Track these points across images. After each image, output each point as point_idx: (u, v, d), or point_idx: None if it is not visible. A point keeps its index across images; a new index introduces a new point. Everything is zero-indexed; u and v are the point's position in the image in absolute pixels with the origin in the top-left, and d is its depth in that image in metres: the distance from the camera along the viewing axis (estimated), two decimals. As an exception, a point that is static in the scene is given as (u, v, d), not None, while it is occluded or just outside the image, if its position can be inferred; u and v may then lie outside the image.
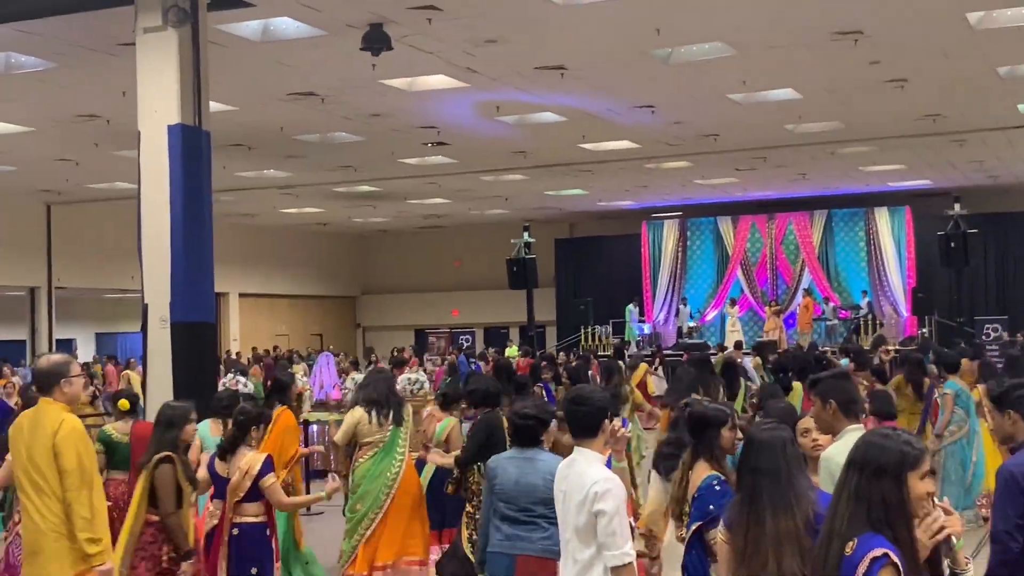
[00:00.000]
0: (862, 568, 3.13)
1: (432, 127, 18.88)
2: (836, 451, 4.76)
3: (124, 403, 9.00)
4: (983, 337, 24.90)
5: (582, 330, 30.16)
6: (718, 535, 4.35)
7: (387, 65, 13.50)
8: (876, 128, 19.91)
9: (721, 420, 4.99)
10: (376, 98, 16.34)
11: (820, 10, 12.67)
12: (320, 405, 15.83)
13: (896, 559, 3.12)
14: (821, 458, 4.84)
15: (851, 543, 3.18)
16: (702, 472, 4.89)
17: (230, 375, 14.55)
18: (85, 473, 5.28)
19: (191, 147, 11.12)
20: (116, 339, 36.34)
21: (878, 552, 3.12)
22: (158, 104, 11.22)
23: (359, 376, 15.16)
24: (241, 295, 32.85)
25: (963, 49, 14.43)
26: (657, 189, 27.78)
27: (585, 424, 4.64)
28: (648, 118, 18.45)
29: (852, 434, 4.87)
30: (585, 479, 4.46)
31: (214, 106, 13.37)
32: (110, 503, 7.15)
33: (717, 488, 4.82)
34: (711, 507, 4.79)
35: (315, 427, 14.52)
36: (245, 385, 13.72)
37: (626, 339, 29.80)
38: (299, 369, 20.20)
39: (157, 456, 6.32)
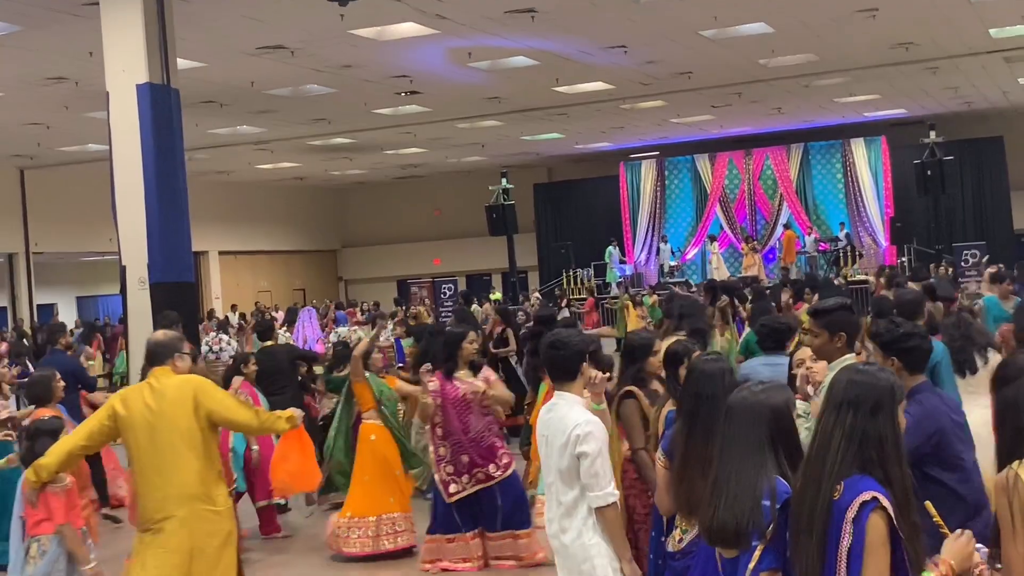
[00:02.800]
0: (851, 512, 3.05)
1: (404, 76, 18.75)
2: None
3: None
4: (962, 264, 25.04)
5: (564, 274, 30.22)
6: (657, 459, 4.44)
7: (356, 15, 13.36)
8: (849, 59, 19.86)
9: (688, 354, 5.06)
10: (346, 49, 16.19)
11: (789, -58, 12.59)
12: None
13: (886, 502, 3.06)
14: (822, 388, 4.80)
15: (839, 487, 3.10)
16: (668, 407, 5.00)
17: (212, 334, 14.55)
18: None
19: (160, 106, 11.04)
20: (97, 302, 36.20)
21: (867, 496, 3.04)
22: (125, 64, 11.12)
23: (343, 330, 15.19)
24: (221, 253, 32.75)
25: (933, -24, 14.38)
26: (633, 129, 27.70)
27: (564, 368, 4.67)
28: (621, 58, 18.35)
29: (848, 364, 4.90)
30: (566, 422, 4.50)
31: (182, 63, 13.26)
32: None
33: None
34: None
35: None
36: (228, 343, 13.72)
37: (607, 281, 29.91)
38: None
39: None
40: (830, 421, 3.18)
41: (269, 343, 11.14)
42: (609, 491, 4.44)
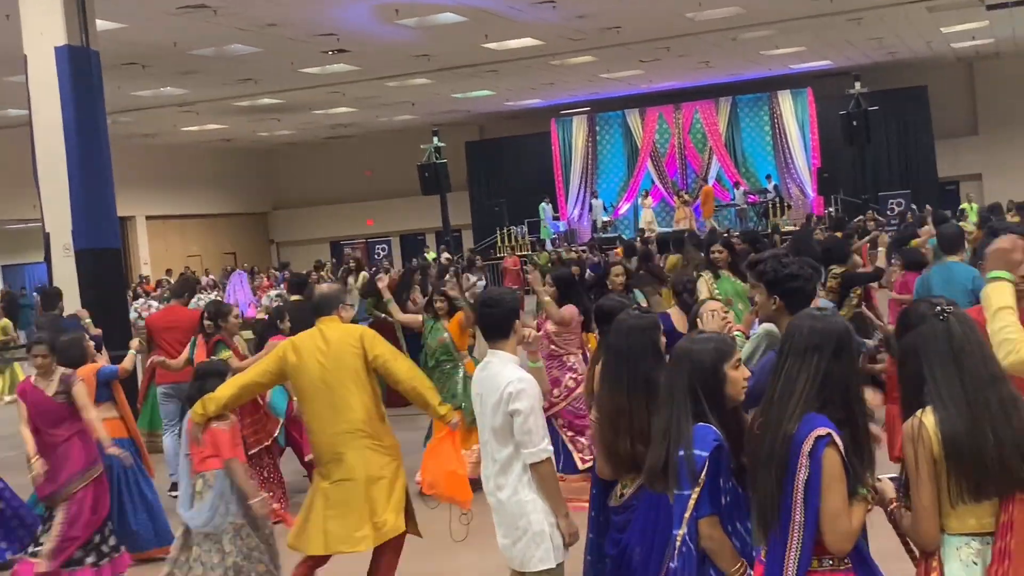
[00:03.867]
0: (807, 446, 3.17)
1: (331, 34, 18.51)
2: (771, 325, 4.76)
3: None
4: (888, 212, 25.45)
5: (498, 232, 30.21)
6: (592, 417, 4.51)
7: (279, -27, 13.17)
8: (775, 11, 19.98)
9: (621, 309, 5.08)
10: (270, 7, 15.95)
11: None
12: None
13: (838, 439, 3.19)
14: (758, 332, 4.86)
15: (793, 424, 3.23)
16: None
17: (141, 300, 14.35)
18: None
19: (80, 68, 10.83)
20: (24, 270, 35.50)
21: (822, 431, 3.18)
22: (43, 26, 10.89)
23: (275, 293, 15.06)
24: (148, 218, 32.23)
25: (856, -73, 14.48)
26: (564, 86, 27.66)
27: (497, 326, 4.67)
28: (550, 14, 18.28)
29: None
30: (499, 380, 4.50)
31: (102, 25, 12.95)
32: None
33: None
34: None
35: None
36: (158, 309, 13.53)
37: (542, 237, 29.95)
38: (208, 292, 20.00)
39: None
40: (795, 365, 3.31)
41: (297, 297, 10.71)
42: (543, 447, 4.46)
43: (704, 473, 3.41)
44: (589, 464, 6.74)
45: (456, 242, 31.99)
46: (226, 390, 5.68)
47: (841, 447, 3.18)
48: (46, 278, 11.72)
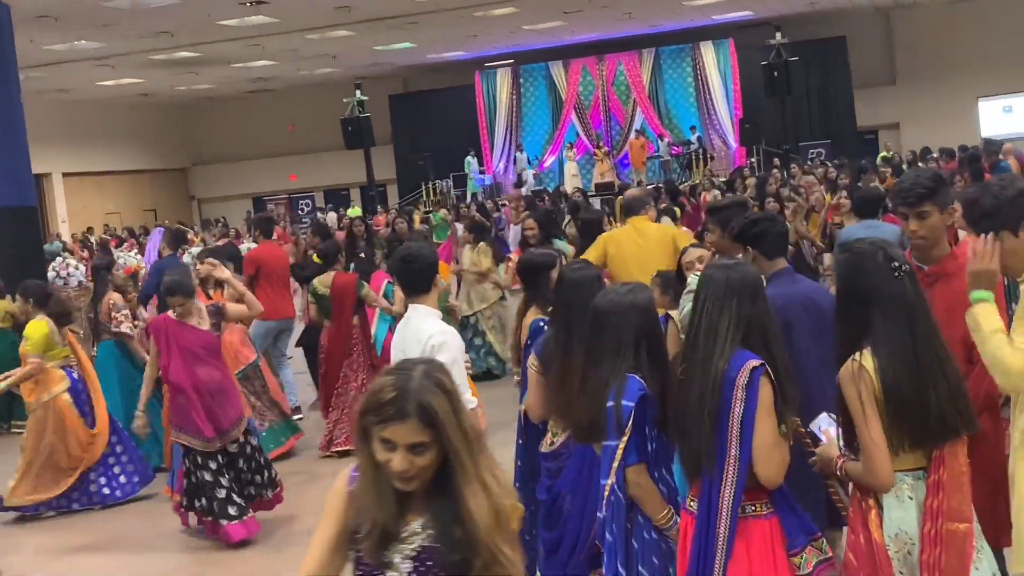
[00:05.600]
0: (742, 379, 3.27)
1: (249, -14, 18.20)
2: None
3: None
4: (808, 163, 25.74)
5: (423, 186, 30.08)
6: (530, 364, 4.55)
7: (193, -77, 12.89)
8: (697, -38, 20.03)
9: (550, 265, 5.10)
10: (186, -42, 15.61)
11: None
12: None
13: (769, 369, 3.29)
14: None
15: (723, 360, 3.32)
16: (532, 316, 5.02)
17: (59, 258, 14.08)
18: None
19: (-11, 22, 10.54)
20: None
21: (755, 362, 3.28)
22: (-52, -22, 10.57)
23: (197, 250, 14.85)
24: (65, 175, 31.55)
25: None
26: (486, 38, 27.50)
27: (417, 280, 4.68)
28: (471, -36, 18.15)
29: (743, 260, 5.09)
30: (421, 334, 4.51)
31: (10, -23, 12.60)
32: (322, 354, 9.00)
33: (544, 327, 4.97)
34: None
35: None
36: (76, 268, 13.30)
37: (470, 191, 29.87)
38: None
39: None
40: (715, 310, 3.40)
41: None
42: (467, 398, 4.49)
43: (631, 423, 3.47)
44: None
45: (381, 197, 31.79)
46: None
47: (773, 379, 3.27)
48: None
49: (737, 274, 3.44)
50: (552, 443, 4.45)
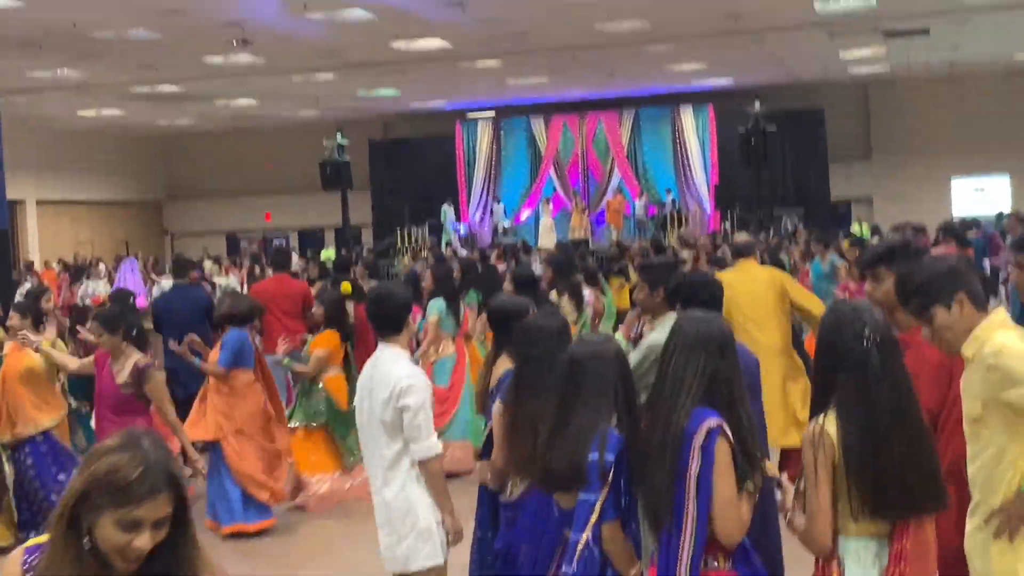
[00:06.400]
0: (699, 439, 3.28)
1: (236, 25, 18.25)
2: (659, 335, 4.96)
3: (346, 286, 9.54)
4: (782, 231, 25.98)
5: (398, 231, 30.08)
6: (495, 409, 4.54)
7: (185, -41, 12.96)
8: (680, 27, 20.29)
9: (522, 312, 5.11)
10: (175, -7, 15.67)
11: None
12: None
13: (728, 430, 3.29)
14: (647, 343, 5.00)
15: (684, 417, 3.33)
16: (503, 365, 5.01)
17: (28, 283, 13.99)
18: None
19: (-26, 45, 10.52)
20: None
21: (713, 422, 3.28)
22: (-65, -2, 10.56)
23: (167, 284, 14.80)
24: (39, 203, 31.37)
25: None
26: (470, 89, 27.70)
27: (388, 321, 4.68)
28: (459, 16, 18.29)
29: (671, 322, 5.13)
30: (390, 376, 4.51)
31: (-2, 1, 12.64)
32: None
33: None
34: None
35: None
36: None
37: (445, 240, 29.91)
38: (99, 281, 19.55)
39: None
40: (681, 361, 3.43)
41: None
42: (432, 443, 4.49)
43: (611, 475, 3.47)
44: None
45: (356, 239, 31.76)
46: None
47: (731, 438, 3.28)
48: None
49: (707, 327, 3.45)
50: (511, 493, 4.44)
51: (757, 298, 7.39)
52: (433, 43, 20.87)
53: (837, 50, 23.98)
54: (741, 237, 8.41)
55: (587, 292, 10.65)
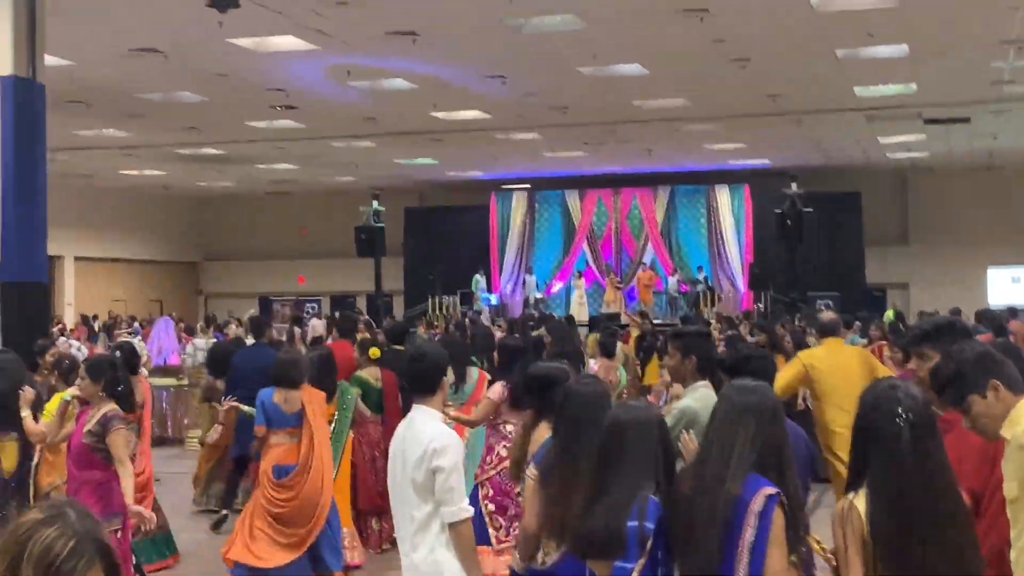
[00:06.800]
0: (756, 506, 3.22)
1: (280, 90, 18.54)
2: (689, 402, 5.15)
3: (375, 351, 9.53)
4: (816, 313, 25.80)
5: (429, 299, 30.15)
6: (528, 476, 4.47)
7: (234, 24, 13.20)
8: (719, 106, 20.41)
9: (563, 379, 5.06)
10: (222, 57, 15.94)
11: (668, -13, 12.90)
12: (159, 370, 15.47)
13: (784, 498, 3.24)
14: (679, 408, 5.01)
15: (736, 484, 3.28)
16: (543, 432, 4.94)
17: (62, 339, 14.09)
18: None
19: (24, 99, 10.74)
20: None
21: (771, 490, 3.22)
22: (-11, 54, 10.78)
23: (201, 342, 14.87)
24: (77, 259, 31.73)
25: (804, 30, 14.90)
26: (506, 160, 27.91)
27: (423, 381, 4.65)
28: (499, 88, 18.49)
29: (703, 390, 5.16)
30: (423, 436, 4.47)
31: (50, 60, 12.85)
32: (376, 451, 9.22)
33: None
34: None
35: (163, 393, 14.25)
36: (79, 349, 13.29)
37: (476, 310, 29.93)
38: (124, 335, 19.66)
39: None
40: (732, 427, 3.39)
41: (399, 347, 10.72)
42: (463, 507, 4.42)
43: (650, 543, 3.41)
44: (506, 545, 6.63)
45: (387, 307, 31.84)
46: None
47: (787, 507, 3.23)
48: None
49: (757, 395, 3.41)
50: (544, 562, 4.37)
51: (851, 377, 7.20)
52: (472, 114, 21.09)
53: (876, 135, 24.03)
54: (827, 315, 8.41)
55: (593, 363, 10.59)
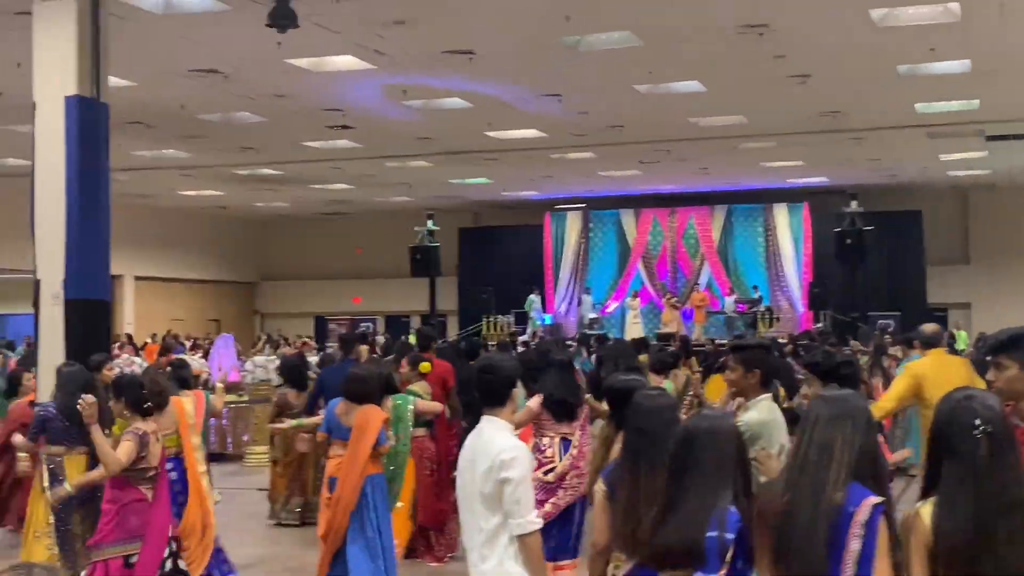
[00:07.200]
0: (862, 515, 3.14)
1: (337, 110, 18.67)
2: (753, 416, 5.24)
3: (426, 365, 9.61)
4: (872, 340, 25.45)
5: (483, 319, 30.15)
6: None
7: (293, 45, 13.29)
8: (778, 123, 20.24)
9: (635, 387, 5.01)
10: (281, 78, 16.08)
11: (727, 2, 12.81)
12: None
13: (888, 509, 3.18)
14: (743, 421, 4.98)
15: (840, 493, 3.20)
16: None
17: (125, 356, 14.22)
18: None
19: (89, 119, 10.83)
20: (6, 320, 35.27)
21: (876, 499, 3.15)
22: (55, 75, 10.91)
23: (260, 359, 14.96)
24: (137, 278, 32.14)
25: (865, 46, 14.74)
26: (561, 180, 27.89)
27: (493, 393, 4.61)
28: (555, 107, 18.49)
29: (765, 402, 5.12)
30: (492, 447, 4.42)
31: (113, 81, 12.96)
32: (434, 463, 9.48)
33: None
34: None
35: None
36: (141, 366, 13.41)
37: (531, 329, 29.88)
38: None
39: None
40: (827, 432, 3.30)
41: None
42: (531, 519, 4.36)
43: (730, 553, 3.34)
44: None
45: (441, 327, 31.87)
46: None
47: (891, 517, 3.17)
48: (29, 329, 11.62)
49: (850, 401, 3.34)
50: (614, 575, 4.30)
51: (957, 383, 7.26)
52: (527, 133, 21.10)
53: (937, 152, 23.72)
54: (929, 327, 8.52)
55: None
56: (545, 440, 7.90)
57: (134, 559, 6.34)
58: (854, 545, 3.11)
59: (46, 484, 7.73)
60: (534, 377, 8.36)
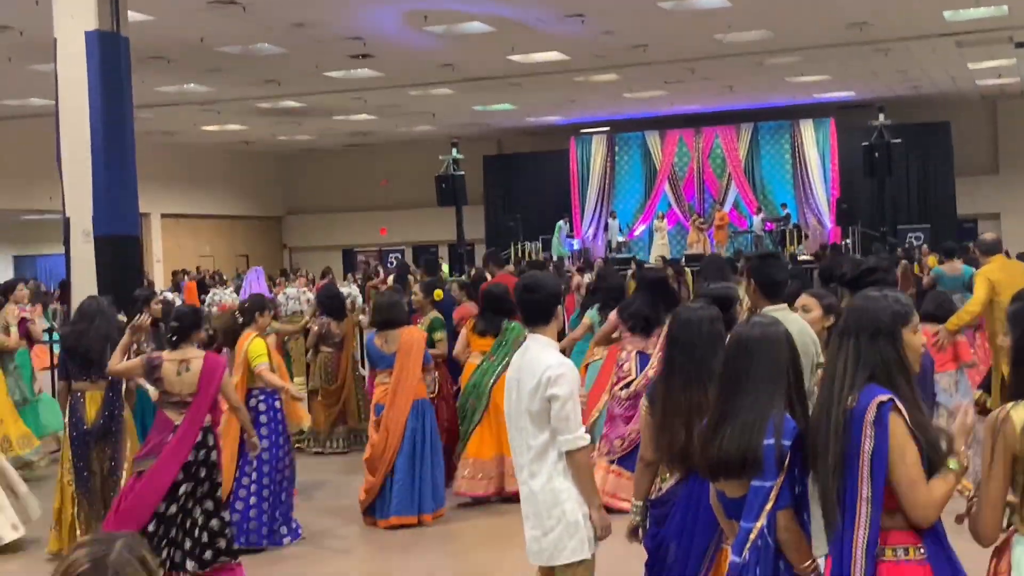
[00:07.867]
0: (870, 415, 3.12)
1: (358, 38, 18.48)
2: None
3: (439, 293, 9.77)
4: (905, 245, 25.30)
5: (512, 247, 30.11)
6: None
7: (311, -30, 13.14)
8: (804, 37, 19.91)
9: (737, 299, 5.02)
10: (299, 7, 15.93)
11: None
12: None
13: (900, 404, 3.11)
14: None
15: (852, 397, 3.17)
16: None
17: (162, 291, 14.29)
18: None
19: (110, 53, 10.80)
20: (36, 261, 35.55)
21: (884, 397, 3.12)
22: (74, 10, 10.86)
23: (291, 290, 15.00)
24: (163, 216, 32.22)
25: (892, -46, 14.42)
26: (585, 103, 27.62)
27: (538, 311, 4.59)
28: (578, 28, 18.23)
29: (777, 314, 5.06)
30: (538, 365, 4.41)
31: (131, 16, 12.91)
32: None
33: None
34: None
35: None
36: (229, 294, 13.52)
37: (557, 255, 29.83)
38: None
39: None
40: (835, 348, 3.31)
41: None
42: (579, 435, 4.36)
43: (787, 462, 3.33)
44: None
45: (469, 255, 31.89)
46: None
47: (905, 411, 3.10)
48: (60, 269, 11.68)
49: (861, 308, 3.33)
50: (660, 488, 4.30)
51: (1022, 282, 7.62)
52: (551, 56, 20.86)
53: (966, 61, 23.30)
54: (989, 236, 9.16)
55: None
56: (623, 354, 7.96)
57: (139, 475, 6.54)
58: (867, 445, 3.09)
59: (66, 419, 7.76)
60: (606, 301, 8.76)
